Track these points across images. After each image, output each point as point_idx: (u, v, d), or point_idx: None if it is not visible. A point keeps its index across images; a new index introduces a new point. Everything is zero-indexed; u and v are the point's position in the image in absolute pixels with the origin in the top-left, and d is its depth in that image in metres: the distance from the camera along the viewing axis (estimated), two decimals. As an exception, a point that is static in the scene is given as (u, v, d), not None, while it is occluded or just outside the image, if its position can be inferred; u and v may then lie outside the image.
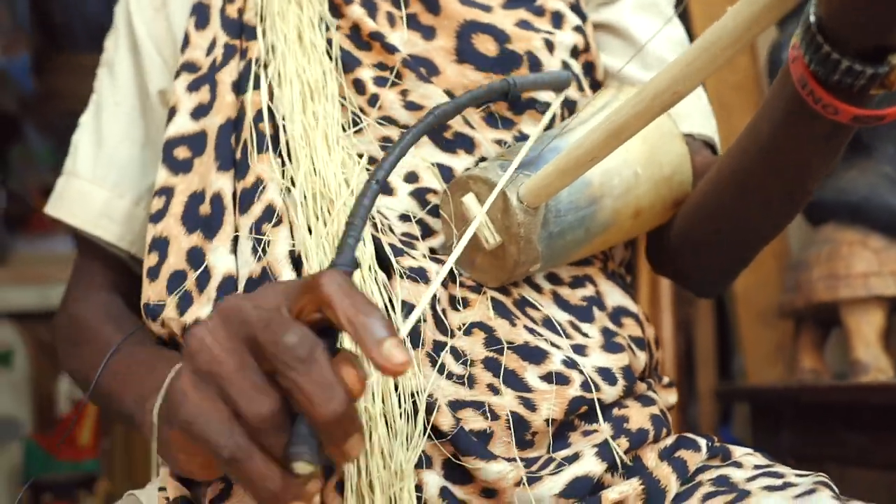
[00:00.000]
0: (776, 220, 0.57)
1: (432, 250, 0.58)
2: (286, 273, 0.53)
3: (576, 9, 0.67)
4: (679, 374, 1.64)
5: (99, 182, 0.69)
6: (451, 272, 0.56)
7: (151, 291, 0.58)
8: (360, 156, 0.58)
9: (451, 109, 0.54)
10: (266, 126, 0.58)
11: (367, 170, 0.57)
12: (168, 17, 0.69)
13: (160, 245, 0.59)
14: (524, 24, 0.63)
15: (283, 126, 0.57)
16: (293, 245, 0.54)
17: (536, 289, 0.59)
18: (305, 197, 0.55)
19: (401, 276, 0.53)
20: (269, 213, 0.55)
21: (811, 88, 0.40)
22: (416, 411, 0.49)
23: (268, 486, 0.35)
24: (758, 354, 1.36)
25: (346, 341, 0.45)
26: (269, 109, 0.58)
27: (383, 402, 0.48)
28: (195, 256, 0.57)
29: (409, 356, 0.35)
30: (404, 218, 0.57)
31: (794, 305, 1.05)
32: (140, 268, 0.71)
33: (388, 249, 0.53)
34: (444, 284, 0.55)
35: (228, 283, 0.55)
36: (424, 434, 0.48)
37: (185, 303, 0.56)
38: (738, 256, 0.63)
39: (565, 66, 0.64)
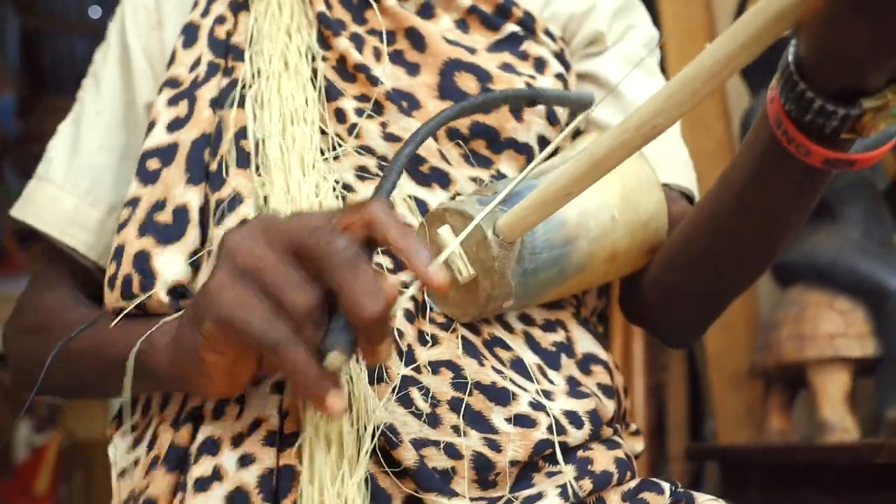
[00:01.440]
0: (748, 269, 0.58)
1: (405, 283, 0.58)
2: None
3: (560, 57, 0.69)
4: (651, 438, 1.64)
5: (70, 188, 0.68)
6: (421, 307, 0.56)
7: (111, 299, 0.59)
8: (337, 182, 0.59)
9: (480, 101, 0.60)
10: (245, 143, 0.59)
11: (343, 197, 0.58)
12: (162, 37, 0.71)
13: (118, 254, 0.59)
14: (507, 67, 0.65)
15: (262, 145, 0.58)
16: None
17: (508, 329, 0.59)
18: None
19: None
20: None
21: (785, 128, 0.41)
22: (371, 438, 0.49)
23: (308, 375, 0.39)
24: (728, 417, 1.36)
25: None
26: (251, 128, 0.60)
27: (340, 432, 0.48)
28: (140, 260, 0.58)
29: (449, 280, 0.41)
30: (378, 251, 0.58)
31: (763, 365, 1.06)
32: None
33: None
34: (412, 320, 0.55)
35: (179, 293, 0.56)
36: (362, 459, 0.48)
37: (138, 307, 0.57)
38: (709, 306, 0.64)
39: (548, 110, 0.66)
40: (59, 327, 0.62)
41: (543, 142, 0.65)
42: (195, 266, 0.57)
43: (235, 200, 0.57)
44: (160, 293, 0.56)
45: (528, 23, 0.68)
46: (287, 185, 0.56)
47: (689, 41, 1.44)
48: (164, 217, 0.59)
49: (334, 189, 0.58)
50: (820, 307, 1.00)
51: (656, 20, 1.53)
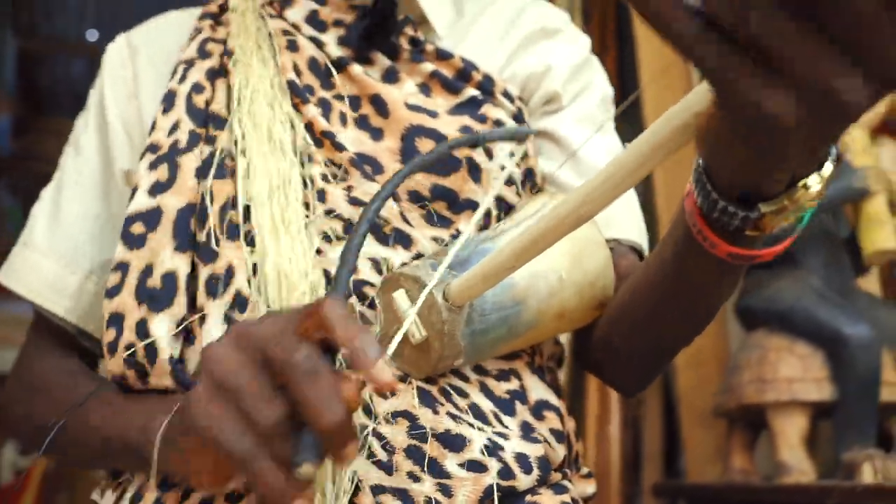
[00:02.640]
0: (682, 335, 0.61)
1: None
2: None
3: (518, 118, 0.72)
4: (626, 470, 1.67)
5: (52, 256, 0.72)
6: None
7: (113, 366, 0.62)
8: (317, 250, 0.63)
9: (434, 157, 0.64)
10: (234, 214, 0.62)
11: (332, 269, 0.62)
12: (139, 105, 0.74)
13: (117, 321, 0.62)
14: (466, 130, 0.68)
15: (251, 216, 0.61)
16: None
17: (463, 378, 0.62)
18: (274, 283, 0.59)
19: None
20: (240, 299, 0.59)
21: (695, 220, 0.45)
22: (350, 488, 0.53)
23: (274, 486, 0.41)
24: (698, 453, 1.39)
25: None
26: (237, 198, 0.63)
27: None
28: (141, 328, 0.61)
29: (395, 378, 0.41)
30: None
31: (726, 407, 1.09)
32: (87, 340, 0.74)
33: None
34: None
35: (172, 364, 0.59)
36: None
37: (141, 374, 0.60)
38: (653, 362, 0.67)
39: (503, 170, 0.69)
40: (60, 390, 0.66)
41: (501, 202, 0.68)
42: (184, 334, 0.60)
43: (229, 274, 0.60)
44: (164, 363, 0.60)
45: (487, 86, 0.71)
46: (279, 252, 0.59)
47: (665, 90, 1.49)
48: (154, 282, 0.62)
49: (318, 252, 0.62)
50: (780, 352, 1.04)
51: (635, 70, 1.58)
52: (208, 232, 0.62)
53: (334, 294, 0.49)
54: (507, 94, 0.72)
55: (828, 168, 0.40)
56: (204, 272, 0.61)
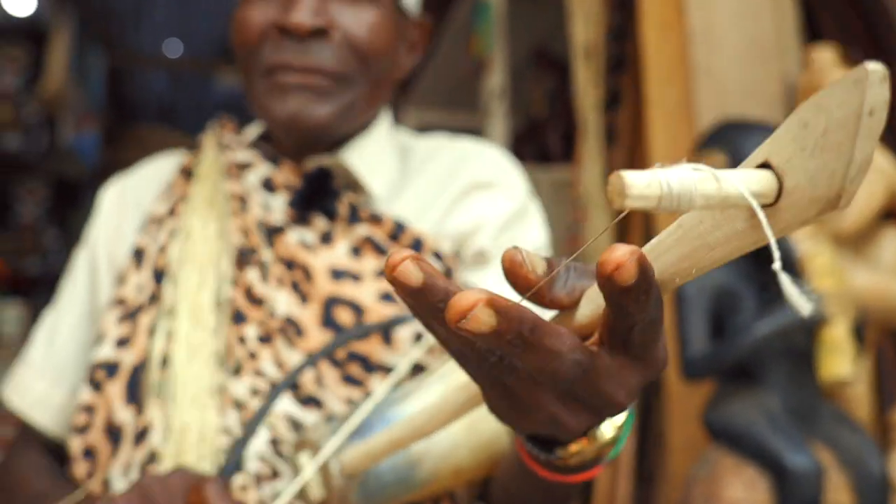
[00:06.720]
0: None
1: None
2: None
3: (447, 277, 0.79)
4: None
5: (41, 374, 0.84)
6: None
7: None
8: (237, 402, 0.72)
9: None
10: (159, 374, 0.72)
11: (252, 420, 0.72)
12: (121, 238, 0.85)
13: (89, 455, 0.73)
14: (386, 297, 0.75)
15: (170, 379, 0.71)
16: None
17: None
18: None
19: None
20: (152, 455, 0.69)
21: (518, 449, 0.52)
22: None
23: None
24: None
25: None
26: (164, 359, 0.72)
27: None
28: (106, 466, 0.72)
29: None
30: (261, 460, 0.71)
31: (679, 516, 1.15)
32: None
33: None
34: None
35: None
36: None
37: None
38: None
39: (418, 336, 0.74)
40: (26, 486, 0.77)
41: (415, 365, 0.76)
42: None
43: (147, 431, 0.70)
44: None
45: (416, 248, 0.76)
46: (182, 419, 0.69)
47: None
48: (113, 428, 0.72)
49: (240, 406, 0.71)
50: (730, 472, 1.09)
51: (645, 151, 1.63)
52: (143, 389, 0.73)
53: (220, 478, 0.59)
54: (437, 255, 0.77)
55: (621, 416, 0.46)
56: (139, 425, 0.71)
